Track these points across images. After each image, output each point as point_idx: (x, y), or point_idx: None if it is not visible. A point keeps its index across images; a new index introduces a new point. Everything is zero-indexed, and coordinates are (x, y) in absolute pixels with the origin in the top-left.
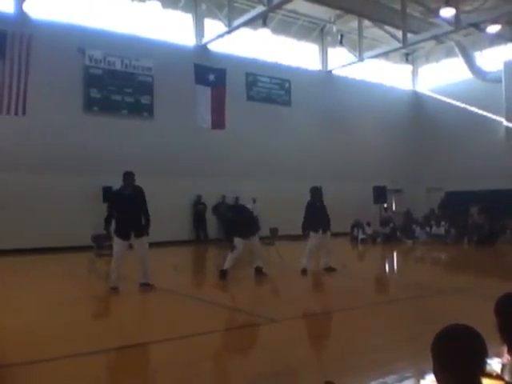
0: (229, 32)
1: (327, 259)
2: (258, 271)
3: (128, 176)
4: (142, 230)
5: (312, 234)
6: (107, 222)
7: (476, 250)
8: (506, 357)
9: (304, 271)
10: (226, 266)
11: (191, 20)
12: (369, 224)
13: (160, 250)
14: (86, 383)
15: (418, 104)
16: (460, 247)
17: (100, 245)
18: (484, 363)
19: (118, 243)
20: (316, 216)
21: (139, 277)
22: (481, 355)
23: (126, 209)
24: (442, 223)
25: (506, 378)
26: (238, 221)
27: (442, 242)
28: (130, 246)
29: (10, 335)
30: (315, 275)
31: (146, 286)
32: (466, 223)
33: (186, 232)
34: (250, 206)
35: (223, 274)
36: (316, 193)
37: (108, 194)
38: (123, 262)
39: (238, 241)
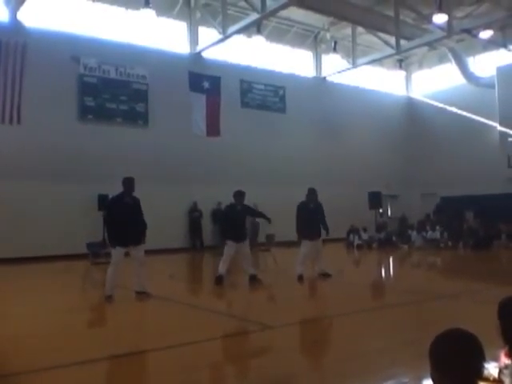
0: (223, 40)
1: (321, 264)
2: (253, 278)
3: (128, 182)
4: (140, 238)
5: (304, 241)
6: (111, 230)
7: (471, 255)
8: (504, 360)
9: (300, 278)
10: (220, 271)
11: (185, 28)
12: (365, 229)
13: (156, 258)
14: None
15: (411, 110)
16: (455, 252)
17: (95, 253)
18: (482, 367)
19: (117, 251)
20: (308, 220)
21: (134, 285)
22: (478, 359)
23: (125, 216)
24: (437, 228)
25: (507, 381)
26: (233, 222)
27: (437, 246)
28: (126, 254)
29: (6, 344)
30: (311, 281)
31: (142, 294)
32: (461, 228)
33: (181, 239)
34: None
35: (219, 280)
36: (312, 194)
37: (108, 201)
38: (120, 270)
39: (229, 244)
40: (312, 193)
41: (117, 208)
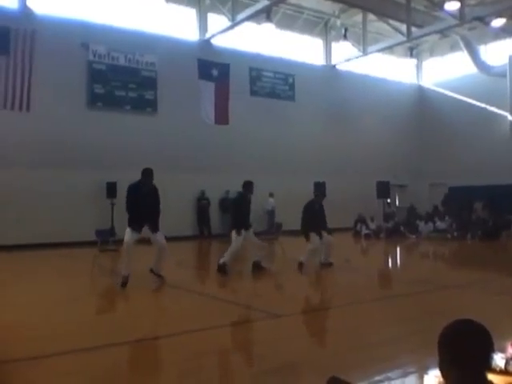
0: (232, 26)
1: (327, 255)
2: (256, 266)
3: (147, 173)
4: (156, 225)
5: (312, 234)
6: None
7: (480, 245)
8: (510, 351)
9: (301, 265)
10: (225, 259)
11: (195, 15)
12: (372, 219)
13: None
14: (92, 377)
15: (422, 98)
16: (463, 242)
17: (104, 240)
18: (490, 358)
19: (128, 232)
20: (314, 218)
21: (152, 264)
22: (487, 350)
23: (141, 205)
24: (446, 218)
25: None
26: (246, 211)
27: (445, 237)
28: (144, 241)
29: (15, 331)
30: (318, 270)
31: (157, 277)
32: (469, 218)
33: (189, 227)
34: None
35: (222, 268)
36: (317, 190)
37: (128, 187)
38: (133, 254)
39: (242, 233)
40: (318, 194)
41: (133, 197)
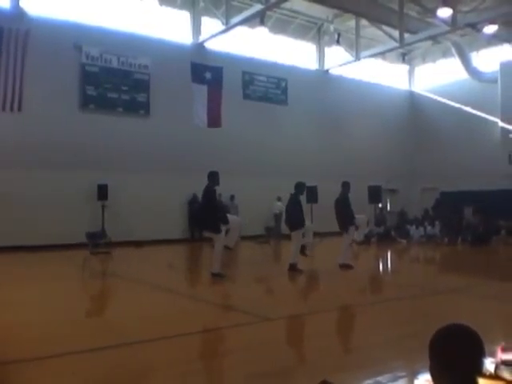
0: (226, 30)
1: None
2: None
3: (216, 175)
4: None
5: (352, 228)
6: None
7: (470, 250)
8: (500, 356)
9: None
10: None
11: (188, 18)
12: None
13: (154, 248)
14: (92, 379)
15: (414, 104)
16: (454, 247)
17: (95, 243)
18: (481, 363)
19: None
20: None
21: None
22: (478, 355)
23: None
24: (436, 223)
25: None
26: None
27: (436, 241)
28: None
29: (8, 333)
30: (310, 274)
31: (216, 276)
32: (460, 223)
33: (180, 230)
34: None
35: (294, 268)
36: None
37: (214, 190)
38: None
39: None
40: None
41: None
